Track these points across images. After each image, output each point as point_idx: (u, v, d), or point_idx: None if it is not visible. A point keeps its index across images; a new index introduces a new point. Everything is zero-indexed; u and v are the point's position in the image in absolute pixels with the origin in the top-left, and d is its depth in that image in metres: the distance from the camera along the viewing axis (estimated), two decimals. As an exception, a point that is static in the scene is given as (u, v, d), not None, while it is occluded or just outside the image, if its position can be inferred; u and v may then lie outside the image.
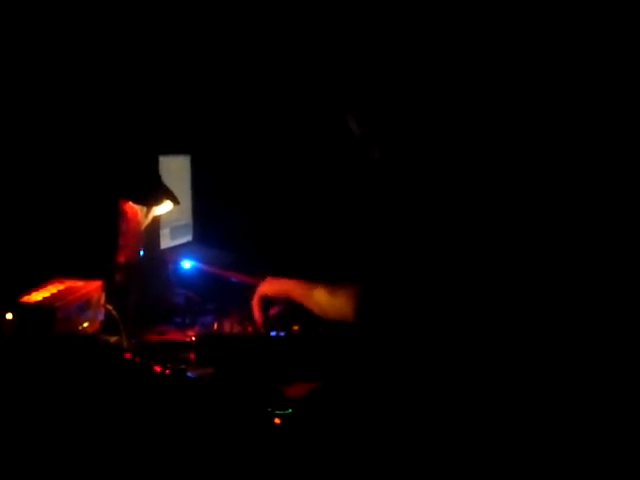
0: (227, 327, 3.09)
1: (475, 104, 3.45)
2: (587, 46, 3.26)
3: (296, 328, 3.01)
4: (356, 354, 2.87)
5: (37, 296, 2.76)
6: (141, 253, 3.34)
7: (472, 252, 3.09)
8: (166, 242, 3.85)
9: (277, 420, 2.27)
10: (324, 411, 2.40)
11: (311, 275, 3.73)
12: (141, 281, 3.29)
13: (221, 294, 3.68)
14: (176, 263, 3.79)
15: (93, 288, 2.98)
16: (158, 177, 3.38)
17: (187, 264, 3.81)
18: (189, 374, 2.43)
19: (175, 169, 3.91)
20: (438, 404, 2.51)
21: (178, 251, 3.94)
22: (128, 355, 2.46)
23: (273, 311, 3.26)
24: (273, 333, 2.96)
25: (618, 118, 3.26)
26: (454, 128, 3.32)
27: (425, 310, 2.88)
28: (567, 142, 3.31)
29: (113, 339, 2.90)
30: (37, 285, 2.85)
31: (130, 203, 3.24)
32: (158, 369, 2.35)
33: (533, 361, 2.84)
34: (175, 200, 3.39)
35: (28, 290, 2.78)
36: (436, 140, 3.33)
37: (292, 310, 3.19)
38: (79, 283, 2.96)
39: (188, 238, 4.17)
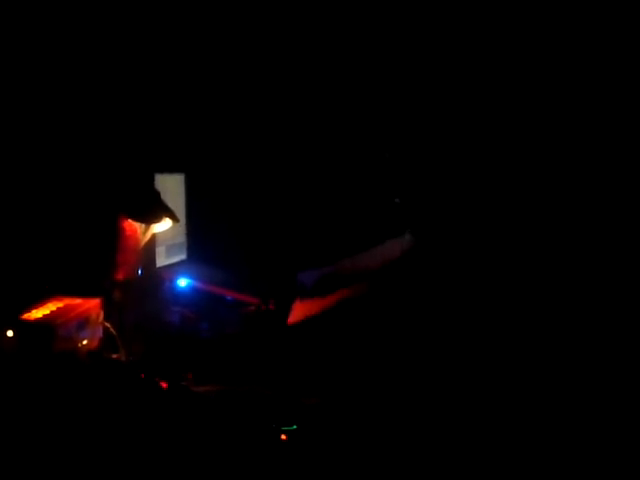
0: None
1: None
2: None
3: None
4: (354, 372, 2.91)
5: (37, 314, 2.75)
6: (139, 271, 3.35)
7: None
8: (161, 260, 3.86)
9: (283, 436, 2.28)
10: (329, 426, 2.41)
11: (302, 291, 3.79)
12: (139, 299, 3.30)
13: (216, 312, 3.70)
14: (171, 281, 3.80)
15: (92, 305, 2.97)
16: (157, 194, 3.39)
17: (182, 282, 3.82)
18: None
19: (170, 188, 3.92)
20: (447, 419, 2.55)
21: (173, 269, 3.95)
22: (134, 372, 2.46)
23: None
24: None
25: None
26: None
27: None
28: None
29: (113, 356, 2.90)
30: (36, 302, 2.84)
31: (129, 220, 3.25)
32: (164, 385, 2.36)
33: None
34: (175, 218, 3.40)
35: (28, 307, 2.77)
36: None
37: None
38: (78, 300, 2.95)
39: (182, 256, 4.18)
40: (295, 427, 2.34)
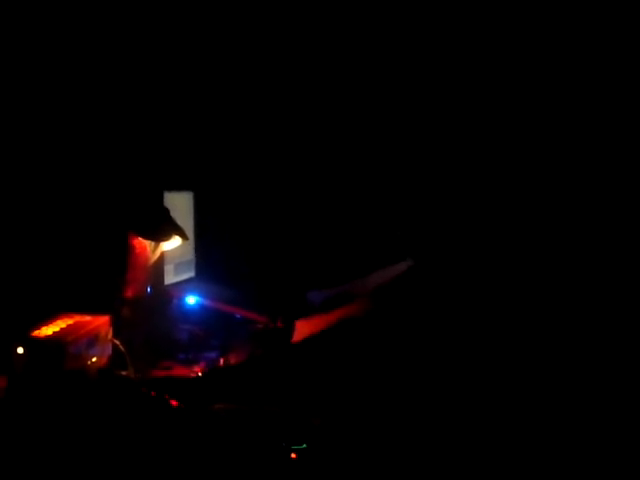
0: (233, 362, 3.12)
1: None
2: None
3: None
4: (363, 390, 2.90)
5: (47, 331, 2.75)
6: (148, 288, 3.36)
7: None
8: (170, 278, 3.87)
9: (293, 455, 2.27)
10: (338, 445, 2.40)
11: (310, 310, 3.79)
12: (148, 316, 3.30)
13: (225, 329, 3.70)
14: (180, 299, 3.81)
15: (101, 323, 2.97)
16: (167, 212, 3.40)
17: (191, 300, 3.82)
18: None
19: (179, 207, 3.93)
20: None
21: (181, 287, 3.96)
22: (144, 389, 2.46)
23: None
24: None
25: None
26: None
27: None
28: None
29: (122, 373, 2.90)
30: (46, 320, 2.84)
31: (139, 238, 3.26)
32: (174, 403, 2.35)
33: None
34: (184, 236, 3.41)
35: (38, 325, 2.77)
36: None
37: None
38: (87, 318, 2.95)
39: (191, 274, 4.19)
40: (305, 446, 2.32)
